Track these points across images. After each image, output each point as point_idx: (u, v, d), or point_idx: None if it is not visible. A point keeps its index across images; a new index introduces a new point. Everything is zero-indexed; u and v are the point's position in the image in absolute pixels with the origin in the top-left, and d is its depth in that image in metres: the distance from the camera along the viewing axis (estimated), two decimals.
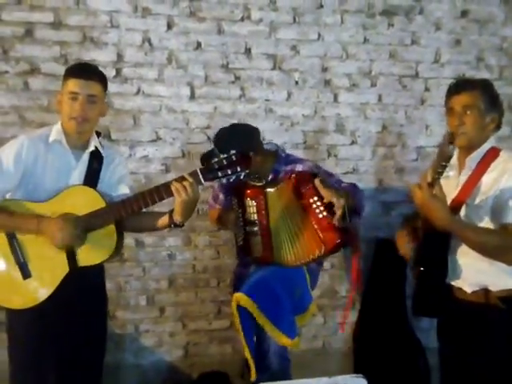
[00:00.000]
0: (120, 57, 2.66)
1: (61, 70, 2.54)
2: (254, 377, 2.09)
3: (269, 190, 2.13)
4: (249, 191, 2.14)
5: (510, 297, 1.78)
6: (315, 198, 2.04)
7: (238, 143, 2.12)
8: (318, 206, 2.04)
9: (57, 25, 2.58)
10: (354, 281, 2.25)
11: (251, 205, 2.14)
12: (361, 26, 2.89)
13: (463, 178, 1.86)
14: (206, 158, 2.06)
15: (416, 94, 3.00)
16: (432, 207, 1.68)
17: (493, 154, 1.83)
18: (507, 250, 1.69)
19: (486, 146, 1.84)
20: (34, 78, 2.59)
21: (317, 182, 2.02)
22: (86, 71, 1.90)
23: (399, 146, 3.02)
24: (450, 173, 1.70)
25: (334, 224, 2.02)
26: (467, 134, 1.81)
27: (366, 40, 2.91)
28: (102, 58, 2.62)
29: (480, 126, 1.81)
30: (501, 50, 3.05)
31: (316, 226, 2.07)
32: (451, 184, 1.88)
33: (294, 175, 2.10)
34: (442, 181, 1.85)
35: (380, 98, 2.97)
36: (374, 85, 2.95)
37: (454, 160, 1.92)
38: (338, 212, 1.98)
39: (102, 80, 1.93)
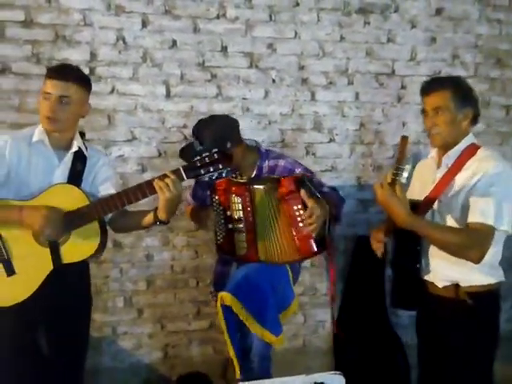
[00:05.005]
0: (93, 55, 2.62)
1: (32, 69, 2.54)
2: (238, 375, 2.08)
3: (256, 186, 2.10)
4: (234, 188, 2.12)
5: (478, 293, 1.81)
6: (299, 206, 2.02)
7: (217, 134, 2.11)
8: (300, 215, 2.01)
9: (28, 23, 2.53)
10: (332, 281, 2.33)
11: (236, 201, 2.11)
12: (337, 24, 2.89)
13: (439, 175, 1.89)
14: (185, 151, 2.05)
15: (392, 92, 3.01)
16: (391, 204, 1.73)
17: (470, 151, 1.84)
18: (469, 247, 1.73)
19: (463, 144, 1.86)
20: (5, 77, 2.54)
21: (302, 192, 2.00)
22: (61, 72, 1.90)
23: (377, 144, 3.03)
24: (405, 174, 1.75)
25: (311, 234, 2.02)
26: (441, 134, 1.84)
27: (342, 38, 2.91)
28: (75, 56, 2.58)
29: (452, 124, 1.83)
30: (476, 48, 3.07)
31: (294, 233, 2.06)
32: (429, 180, 1.92)
33: (282, 178, 2.07)
34: (421, 175, 1.90)
35: (357, 96, 2.97)
36: (350, 83, 2.95)
37: (434, 156, 1.96)
38: (317, 223, 1.99)
39: (81, 81, 1.92)
